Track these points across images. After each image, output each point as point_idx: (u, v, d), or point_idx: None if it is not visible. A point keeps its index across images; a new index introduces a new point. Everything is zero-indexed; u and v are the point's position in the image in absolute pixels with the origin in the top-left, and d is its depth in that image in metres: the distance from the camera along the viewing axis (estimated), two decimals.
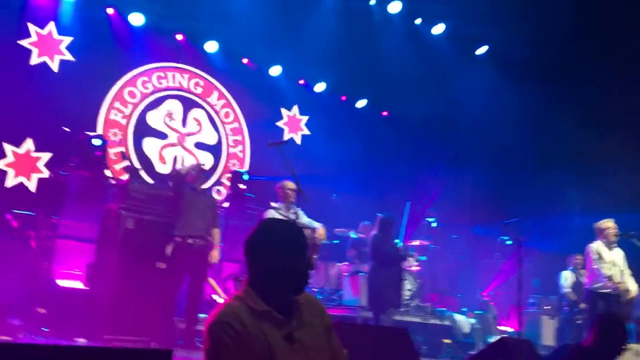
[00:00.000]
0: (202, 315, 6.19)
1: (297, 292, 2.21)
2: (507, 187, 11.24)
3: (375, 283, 7.37)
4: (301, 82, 11.31)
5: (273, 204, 6.85)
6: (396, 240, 7.96)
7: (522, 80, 10.50)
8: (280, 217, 6.46)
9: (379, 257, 7.41)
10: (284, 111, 11.08)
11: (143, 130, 9.26)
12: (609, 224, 7.36)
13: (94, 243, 6.41)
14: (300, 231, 2.30)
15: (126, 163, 8.60)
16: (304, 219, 6.90)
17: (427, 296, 9.42)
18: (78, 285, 6.31)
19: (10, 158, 7.72)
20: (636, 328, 7.99)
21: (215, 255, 6.31)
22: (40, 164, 7.82)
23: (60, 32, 8.42)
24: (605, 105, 10.58)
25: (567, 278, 9.36)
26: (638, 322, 8.03)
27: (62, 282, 6.33)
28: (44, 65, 8.26)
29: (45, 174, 7.55)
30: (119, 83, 9.12)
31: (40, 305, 5.58)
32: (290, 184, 6.72)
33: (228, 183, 9.56)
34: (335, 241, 9.32)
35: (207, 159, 9.70)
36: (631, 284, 7.24)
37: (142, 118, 9.29)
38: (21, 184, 7.70)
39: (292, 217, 6.64)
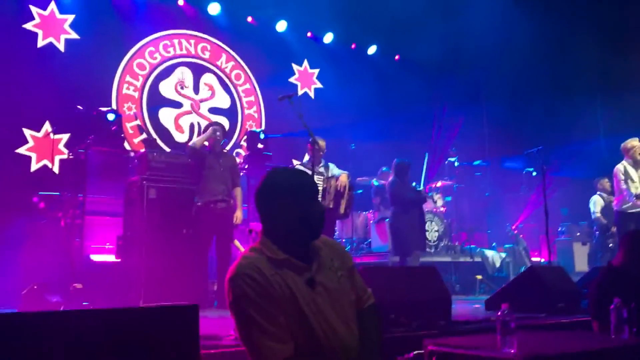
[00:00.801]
0: None
1: (312, 237, 2.21)
2: (528, 117, 11.04)
3: (398, 227, 7.46)
4: (309, 34, 11.15)
5: (296, 162, 6.85)
6: (414, 184, 7.96)
7: (536, 8, 10.17)
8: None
9: (398, 202, 7.48)
10: (294, 66, 10.97)
11: (157, 100, 9.28)
12: (634, 143, 7.24)
13: (120, 216, 6.52)
14: (307, 177, 2.29)
15: (144, 136, 8.67)
16: (335, 171, 6.88)
17: (455, 235, 9.44)
18: (110, 258, 6.47)
19: (30, 143, 7.85)
20: None
21: (238, 215, 6.39)
22: (61, 145, 7.94)
23: (61, 11, 8.41)
24: (626, 26, 10.24)
25: (596, 202, 9.25)
26: None
27: (95, 257, 6.49)
28: (50, 46, 8.28)
29: (66, 154, 7.65)
30: (127, 56, 9.11)
31: (76, 281, 5.73)
32: (322, 143, 6.69)
33: (245, 144, 9.58)
34: (358, 190, 9.33)
35: (223, 123, 9.70)
36: None
37: (154, 89, 9.30)
38: (44, 167, 7.85)
39: (322, 170, 6.67)
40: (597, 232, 9.27)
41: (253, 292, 2.02)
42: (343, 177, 6.73)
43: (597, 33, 10.43)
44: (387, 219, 8.39)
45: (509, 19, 10.17)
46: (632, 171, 7.20)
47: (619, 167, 7.28)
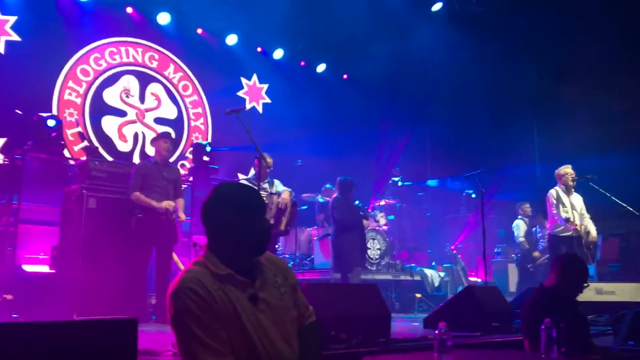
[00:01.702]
0: None
1: (257, 253, 2.21)
2: (469, 139, 11.40)
3: (339, 245, 7.54)
4: (259, 49, 11.17)
5: (242, 176, 6.85)
6: (356, 202, 8.07)
7: (479, 33, 10.57)
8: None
9: (341, 219, 7.55)
10: (243, 80, 10.96)
11: (100, 108, 9.07)
12: (567, 170, 7.58)
13: (57, 226, 6.31)
14: (254, 192, 2.29)
15: (85, 143, 8.44)
16: (280, 187, 6.91)
17: (397, 253, 9.59)
18: (44, 269, 6.24)
19: None
20: (597, 269, 8.31)
21: (181, 215, 6.38)
22: None
23: (3, 12, 8.14)
24: (563, 55, 10.76)
25: (519, 227, 9.70)
26: (598, 263, 8.34)
27: (28, 267, 6.24)
28: None
29: (1, 159, 7.35)
30: (71, 61, 8.87)
31: (7, 292, 5.50)
32: (269, 158, 6.72)
33: (191, 156, 9.47)
34: (303, 207, 9.36)
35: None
36: (591, 226, 7.50)
37: (98, 96, 9.08)
38: None
39: (266, 186, 6.67)
40: (519, 255, 9.69)
41: (195, 307, 2.01)
42: (285, 194, 6.78)
43: (536, 61, 10.93)
44: (330, 236, 8.46)
45: (454, 42, 10.53)
46: (563, 197, 7.53)
47: (552, 192, 7.60)
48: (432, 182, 11.79)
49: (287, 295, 2.24)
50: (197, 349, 1.99)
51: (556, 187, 7.62)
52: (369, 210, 9.18)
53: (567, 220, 7.29)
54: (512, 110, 11.24)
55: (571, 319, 3.40)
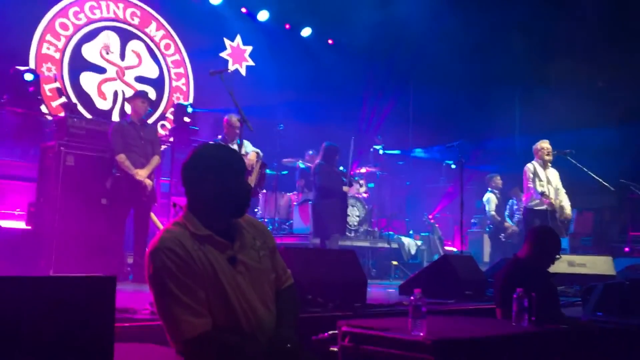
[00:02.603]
0: None
1: (237, 214, 2.22)
2: (452, 109, 11.42)
3: (319, 210, 7.56)
4: (243, 10, 10.97)
5: (215, 140, 6.84)
6: (340, 167, 8.05)
7: (466, 3, 10.48)
8: None
9: (323, 185, 7.53)
10: (226, 41, 10.77)
11: (79, 64, 8.86)
12: (543, 145, 7.68)
13: (34, 182, 6.23)
14: (235, 154, 2.29)
15: (63, 99, 8.27)
16: (249, 148, 6.92)
17: (375, 221, 9.67)
18: (20, 225, 6.17)
19: None
20: (570, 242, 8.49)
21: (141, 173, 6.02)
22: None
23: None
24: (548, 28, 10.75)
25: (490, 200, 9.85)
26: (571, 237, 8.52)
27: (3, 223, 6.17)
28: None
29: None
30: (49, 14, 8.62)
31: None
32: (235, 120, 6.68)
33: (172, 117, 9.35)
34: (283, 172, 9.36)
35: (149, 94, 9.41)
36: (565, 201, 7.63)
37: (77, 51, 8.86)
38: None
39: (234, 147, 6.62)
40: (492, 226, 9.87)
41: (174, 266, 2.02)
42: (252, 155, 6.83)
43: (521, 33, 10.88)
44: (311, 201, 8.48)
45: (440, 10, 10.41)
46: (540, 171, 7.63)
47: (529, 166, 7.70)
48: (413, 152, 11.84)
49: (265, 258, 2.25)
50: (175, 308, 2.00)
51: (533, 162, 7.72)
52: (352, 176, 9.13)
53: (542, 194, 7.41)
54: (495, 82, 11.25)
55: (542, 289, 3.48)
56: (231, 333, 2.07)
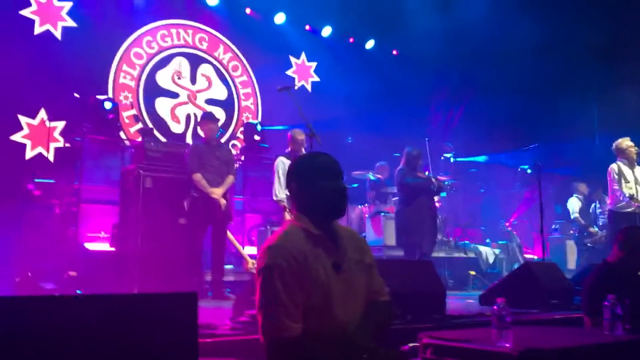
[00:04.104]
0: (227, 267, 6.31)
1: (336, 212, 2.31)
2: (525, 113, 11.05)
3: (403, 219, 7.15)
4: (307, 27, 11.11)
5: (282, 155, 6.90)
6: (427, 173, 7.64)
7: (539, 5, 10.16)
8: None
9: (407, 191, 7.16)
10: (292, 59, 10.94)
11: (153, 90, 9.24)
12: (629, 143, 7.29)
13: (116, 205, 6.51)
14: (331, 158, 2.39)
15: (140, 125, 8.64)
16: None
17: (449, 231, 9.46)
18: (105, 246, 6.46)
19: (26, 130, 7.79)
20: None
21: (222, 201, 6.21)
22: (56, 133, 7.88)
23: None
24: (625, 16, 10.25)
25: (574, 204, 9.49)
26: None
27: (90, 245, 6.48)
28: (47, 33, 8.20)
29: (61, 142, 7.61)
30: (124, 45, 9.05)
31: (71, 269, 5.73)
32: (299, 135, 6.73)
33: (242, 136, 9.56)
34: (354, 185, 9.34)
35: (219, 115, 9.67)
36: None
37: (151, 78, 9.25)
38: (39, 155, 7.77)
39: None
40: (576, 232, 9.47)
41: (286, 265, 2.10)
42: None
43: (594, 25, 10.41)
44: (383, 213, 8.38)
45: (509, 12, 10.14)
46: (626, 171, 7.25)
47: (613, 166, 7.32)
48: (485, 158, 11.53)
49: (361, 273, 2.31)
50: (273, 306, 2.08)
51: (617, 162, 7.34)
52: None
53: (632, 197, 7.02)
54: (569, 83, 10.80)
55: (636, 294, 3.27)
56: (321, 339, 2.11)
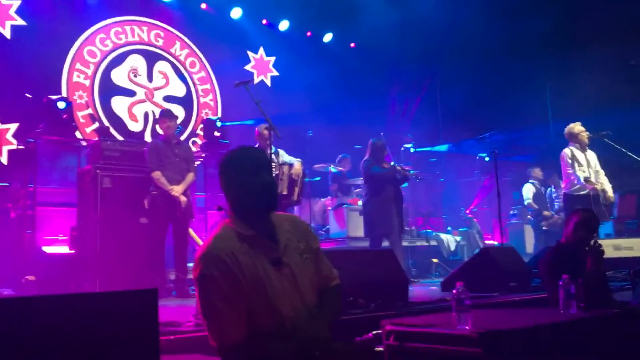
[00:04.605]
0: (191, 265, 6.25)
1: (262, 209, 2.23)
2: (480, 102, 11.25)
3: (370, 210, 7.22)
4: (264, 22, 11.05)
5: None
6: (392, 163, 7.66)
7: None
8: None
9: (373, 182, 7.21)
10: (250, 54, 10.87)
11: (109, 89, 9.05)
12: (580, 128, 7.49)
13: (74, 206, 6.38)
14: (253, 151, 2.35)
15: (96, 125, 8.47)
16: (286, 157, 6.91)
17: (412, 220, 9.59)
18: (64, 249, 6.33)
19: None
20: (614, 226, 8.26)
21: (182, 198, 6.17)
22: (9, 135, 7.63)
23: None
24: (574, 8, 10.52)
25: (528, 190, 9.75)
26: (616, 221, 8.29)
27: (48, 249, 6.34)
28: None
29: (15, 144, 7.40)
30: (77, 43, 8.84)
31: (29, 273, 5.60)
32: (265, 130, 6.70)
33: (202, 133, 9.48)
34: (316, 178, 9.37)
35: (178, 112, 9.55)
36: (607, 184, 7.44)
37: (106, 77, 9.06)
38: None
39: (272, 157, 6.64)
40: (531, 217, 9.73)
41: (219, 274, 2.07)
42: (298, 165, 6.76)
43: (546, 16, 10.64)
44: (346, 205, 8.44)
45: (463, 5, 10.29)
46: (579, 155, 7.46)
47: (566, 151, 7.53)
48: (444, 147, 11.71)
49: (309, 261, 2.27)
50: (214, 314, 2.07)
51: (570, 146, 7.55)
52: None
53: (586, 180, 7.23)
54: (523, 70, 11.03)
55: (589, 274, 3.39)
56: (274, 337, 2.10)
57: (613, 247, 6.19)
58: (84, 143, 7.38)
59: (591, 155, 7.55)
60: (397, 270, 4.56)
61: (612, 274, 5.61)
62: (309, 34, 11.58)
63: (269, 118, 5.90)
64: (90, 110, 8.68)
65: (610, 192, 7.41)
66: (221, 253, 2.09)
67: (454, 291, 2.53)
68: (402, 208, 7.51)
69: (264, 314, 2.10)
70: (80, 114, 8.53)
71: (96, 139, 6.81)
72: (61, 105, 7.10)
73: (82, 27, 8.90)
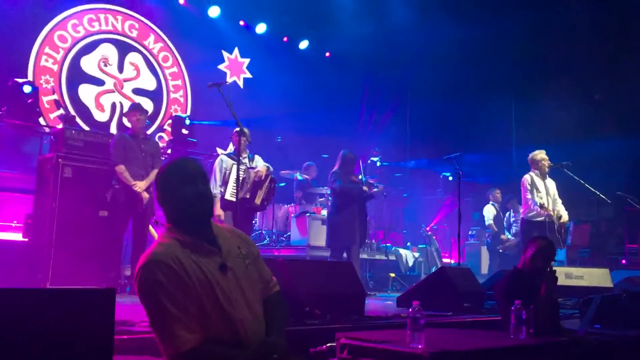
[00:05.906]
0: None
1: (199, 217, 2.21)
2: (448, 121, 11.48)
3: (335, 221, 7.25)
4: (241, 23, 11.03)
5: (221, 151, 6.79)
6: (360, 176, 7.67)
7: (459, 14, 10.53)
8: (231, 161, 6.50)
9: (339, 196, 7.22)
10: (225, 54, 10.83)
11: (77, 76, 8.88)
12: (543, 155, 7.69)
13: (31, 193, 6.22)
14: (184, 161, 2.33)
15: (61, 111, 8.29)
16: (259, 163, 6.86)
17: (372, 233, 9.66)
18: (17, 237, 6.15)
19: None
20: (567, 253, 8.50)
21: (140, 184, 6.10)
22: None
23: None
24: (543, 42, 10.83)
25: (489, 211, 9.97)
26: (569, 248, 8.53)
27: (0, 235, 6.15)
28: None
29: None
30: (48, 27, 8.65)
31: None
32: (246, 130, 6.64)
33: (169, 129, 9.37)
34: (281, 184, 9.36)
35: (147, 106, 9.43)
36: (563, 211, 7.65)
37: (75, 64, 8.89)
38: None
39: (245, 161, 6.60)
40: (489, 239, 9.96)
41: (166, 280, 2.04)
42: (262, 168, 6.74)
43: (516, 46, 10.94)
44: (309, 213, 8.46)
45: (437, 20, 10.46)
46: (538, 182, 7.65)
47: (527, 177, 7.72)
48: (410, 163, 11.87)
49: (251, 267, 2.29)
50: (167, 322, 2.02)
51: (531, 172, 7.74)
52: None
53: (542, 206, 7.41)
54: (491, 94, 11.31)
55: (542, 299, 3.49)
56: (227, 342, 2.09)
57: (565, 275, 6.35)
58: (47, 129, 7.22)
59: (550, 183, 7.76)
60: (355, 283, 4.59)
61: (562, 301, 5.77)
62: (285, 39, 11.61)
63: (240, 122, 5.88)
64: (55, 96, 8.49)
65: (565, 218, 7.63)
66: (165, 258, 2.06)
67: (410, 310, 2.57)
68: (365, 222, 7.58)
69: (217, 319, 2.08)
70: (46, 99, 8.34)
71: (60, 126, 6.67)
72: (27, 89, 6.94)
73: (54, 10, 8.72)
